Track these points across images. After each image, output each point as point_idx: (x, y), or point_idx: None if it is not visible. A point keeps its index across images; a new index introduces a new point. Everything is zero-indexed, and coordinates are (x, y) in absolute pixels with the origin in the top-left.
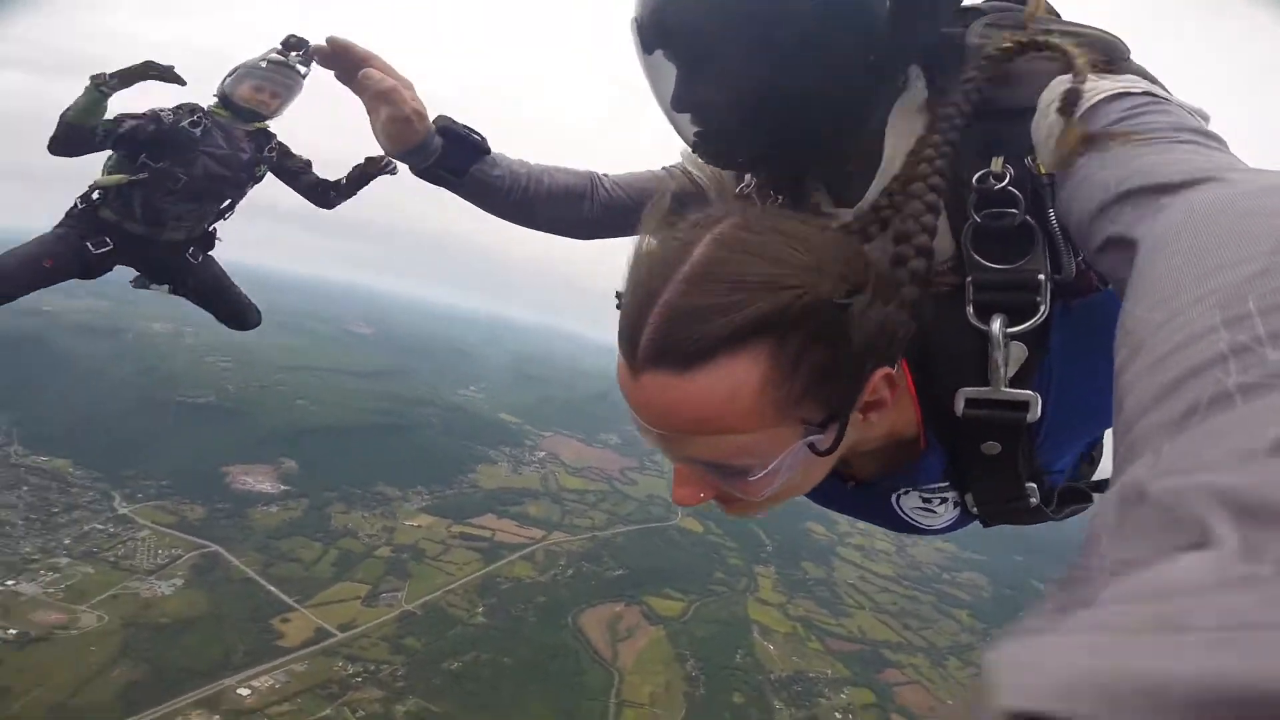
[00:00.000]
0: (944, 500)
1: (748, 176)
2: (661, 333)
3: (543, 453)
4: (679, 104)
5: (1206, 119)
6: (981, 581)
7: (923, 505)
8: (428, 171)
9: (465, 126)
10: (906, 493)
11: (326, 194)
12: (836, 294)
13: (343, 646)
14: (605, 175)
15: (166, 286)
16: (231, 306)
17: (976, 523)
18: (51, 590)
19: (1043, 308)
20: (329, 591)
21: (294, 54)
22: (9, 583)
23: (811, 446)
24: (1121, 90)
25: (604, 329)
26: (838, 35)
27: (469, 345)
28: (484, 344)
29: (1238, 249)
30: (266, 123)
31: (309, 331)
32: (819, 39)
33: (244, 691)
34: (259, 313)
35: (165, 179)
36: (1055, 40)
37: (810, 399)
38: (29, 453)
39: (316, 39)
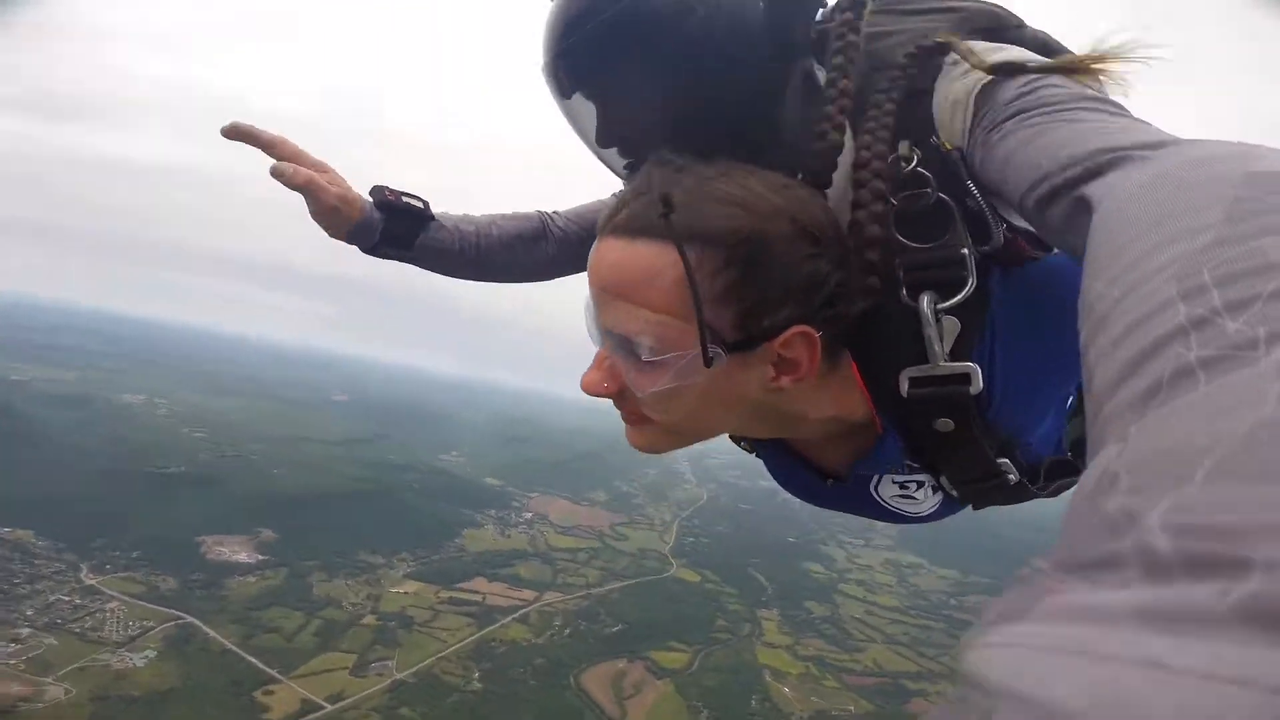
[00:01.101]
0: (921, 485)
1: None
2: (634, 210)
3: (530, 514)
4: (604, 140)
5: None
6: None
7: (901, 493)
8: (376, 249)
9: (403, 195)
10: (882, 481)
11: None
12: (783, 235)
13: (331, 719)
14: (555, 212)
15: None
16: None
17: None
18: (14, 661)
19: (970, 280)
20: (314, 662)
21: None
22: None
23: (704, 359)
24: (1014, 66)
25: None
26: (730, 43)
27: (449, 410)
28: (464, 408)
29: (1188, 220)
30: None
31: (287, 400)
32: (715, 50)
33: None
34: None
35: None
36: (952, 39)
37: (720, 313)
38: None
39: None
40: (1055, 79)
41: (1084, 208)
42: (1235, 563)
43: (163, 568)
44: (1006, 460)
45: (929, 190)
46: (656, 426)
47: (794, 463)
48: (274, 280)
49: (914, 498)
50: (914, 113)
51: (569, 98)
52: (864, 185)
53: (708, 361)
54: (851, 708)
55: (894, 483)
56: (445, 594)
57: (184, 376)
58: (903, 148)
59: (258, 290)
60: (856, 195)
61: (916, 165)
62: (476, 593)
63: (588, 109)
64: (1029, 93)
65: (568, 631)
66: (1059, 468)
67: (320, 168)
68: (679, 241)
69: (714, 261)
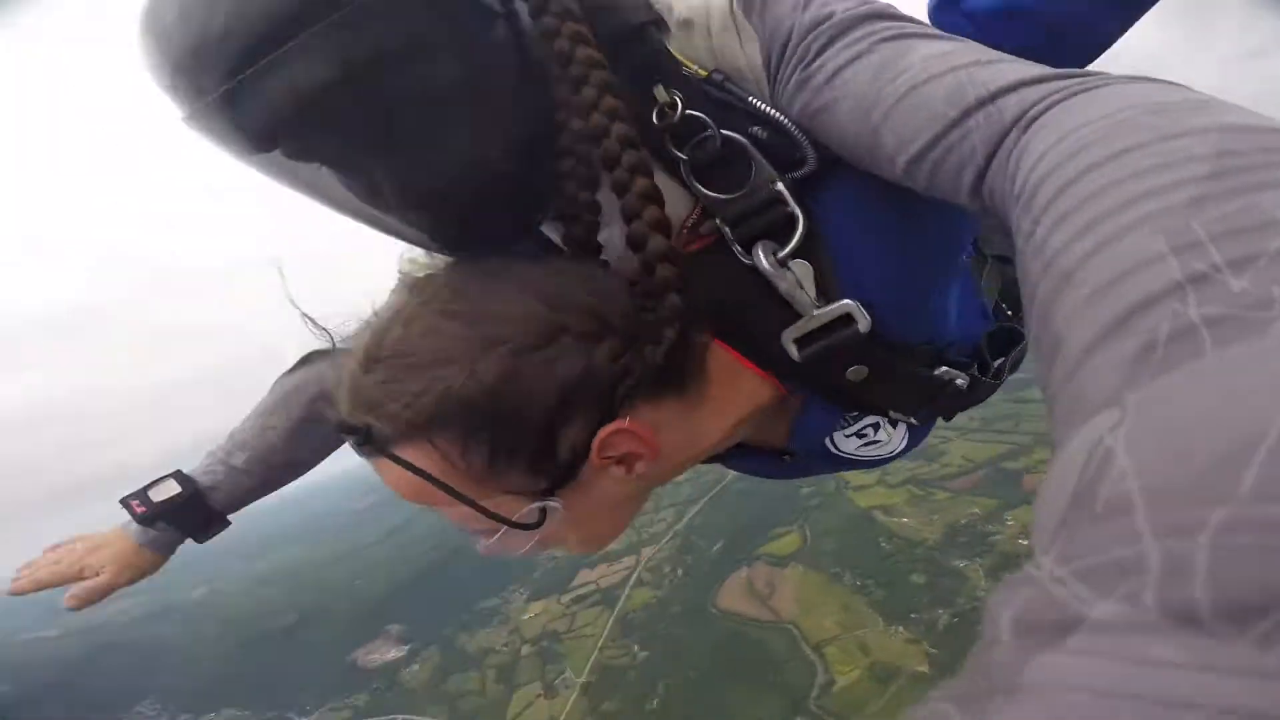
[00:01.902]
0: (877, 427)
1: None
2: (352, 419)
3: None
4: (402, 203)
5: None
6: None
7: (862, 443)
8: (198, 539)
9: (147, 492)
10: (836, 438)
11: None
12: (503, 369)
13: None
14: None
15: None
16: None
17: None
18: None
19: (798, 216)
20: (514, 704)
21: None
22: None
23: (544, 514)
24: None
25: None
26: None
27: None
28: None
29: (1168, 174)
30: None
31: (322, 530)
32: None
33: None
34: None
35: None
36: None
37: (508, 476)
38: (196, 716)
39: None
40: None
41: (1010, 154)
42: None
43: (344, 693)
44: (945, 369)
45: (710, 133)
46: (573, 543)
47: (744, 453)
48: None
49: (877, 440)
50: (642, 50)
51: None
52: (626, 188)
53: (531, 526)
54: (976, 510)
55: (848, 436)
56: (566, 598)
57: (218, 561)
58: (660, 93)
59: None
60: (623, 205)
61: (685, 109)
62: (589, 583)
63: (316, 172)
64: (827, 17)
65: (680, 572)
66: (1001, 339)
67: (68, 557)
68: (398, 460)
69: (455, 443)
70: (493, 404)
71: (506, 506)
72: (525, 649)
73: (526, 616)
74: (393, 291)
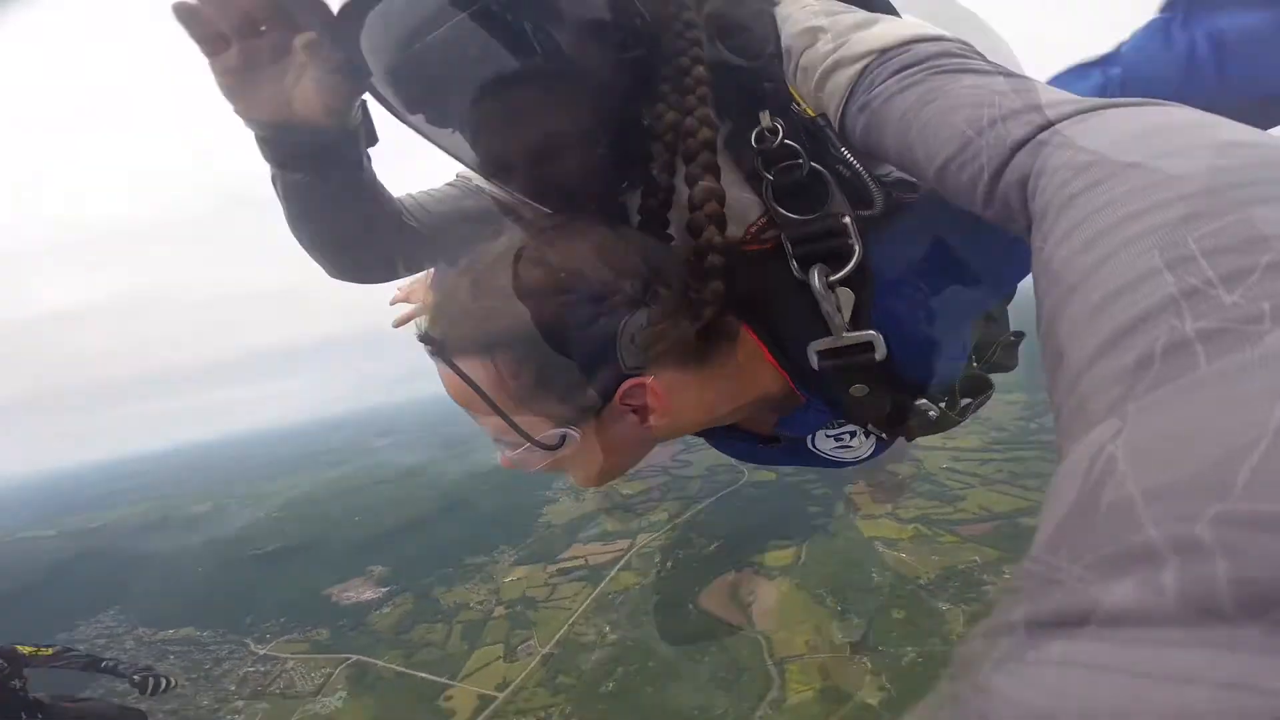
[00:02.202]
0: (854, 434)
1: None
2: (428, 340)
3: None
4: (493, 170)
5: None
6: None
7: (837, 445)
8: (347, 156)
9: None
10: (816, 437)
11: None
12: (563, 309)
13: (507, 705)
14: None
15: None
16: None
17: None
18: None
19: (856, 249)
20: (471, 661)
21: None
22: None
23: (544, 447)
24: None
25: None
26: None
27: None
28: None
29: (1164, 190)
30: None
31: (336, 463)
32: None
33: None
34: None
35: None
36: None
37: (544, 400)
38: (155, 630)
39: None
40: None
41: (1023, 173)
42: None
43: (310, 624)
44: (924, 401)
45: (801, 161)
46: (578, 473)
47: (727, 432)
48: (246, 372)
49: (849, 446)
50: (758, 77)
51: (414, 114)
52: (695, 181)
53: (551, 447)
54: (977, 558)
55: (828, 436)
56: (552, 568)
57: (231, 479)
58: (764, 119)
59: (240, 388)
60: (691, 192)
61: (784, 138)
62: (578, 557)
63: (443, 133)
64: (902, 49)
65: (670, 564)
66: (971, 384)
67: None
68: (457, 370)
69: (510, 362)
70: (546, 338)
71: (535, 426)
72: (498, 610)
73: (508, 579)
74: (448, 185)
